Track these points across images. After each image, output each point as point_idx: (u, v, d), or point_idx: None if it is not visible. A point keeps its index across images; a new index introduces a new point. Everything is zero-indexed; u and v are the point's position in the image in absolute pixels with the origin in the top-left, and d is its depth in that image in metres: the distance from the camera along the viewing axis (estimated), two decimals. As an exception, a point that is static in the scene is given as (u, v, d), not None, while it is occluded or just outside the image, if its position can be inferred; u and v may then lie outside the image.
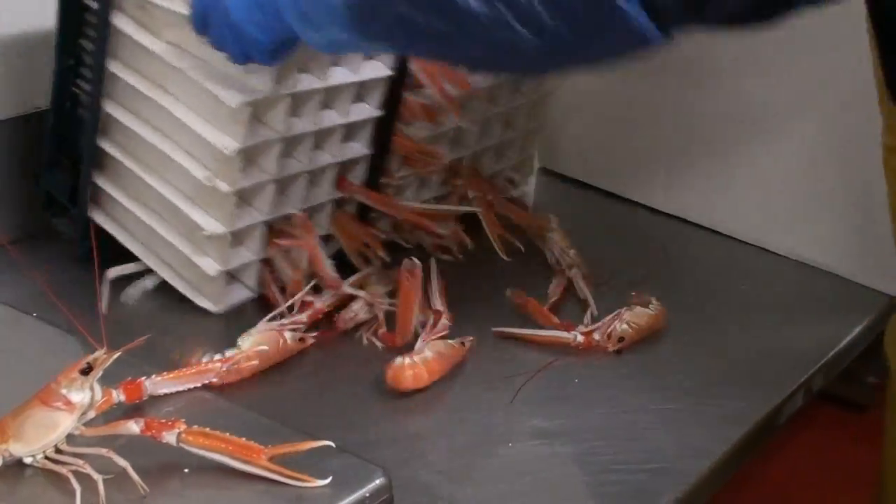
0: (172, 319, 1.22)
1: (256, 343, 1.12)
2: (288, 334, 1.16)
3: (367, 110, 1.29)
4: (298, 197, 1.26)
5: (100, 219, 1.29)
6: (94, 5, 1.19)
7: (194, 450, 0.84)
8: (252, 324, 1.18)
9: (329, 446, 0.87)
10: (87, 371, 0.86)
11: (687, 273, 1.42)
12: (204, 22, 1.05)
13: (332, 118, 1.25)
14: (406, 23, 0.88)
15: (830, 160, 1.38)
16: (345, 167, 1.31)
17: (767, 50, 1.38)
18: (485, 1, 0.83)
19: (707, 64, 1.45)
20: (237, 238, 1.23)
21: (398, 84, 1.29)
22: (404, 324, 1.21)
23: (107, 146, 1.25)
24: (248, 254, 1.25)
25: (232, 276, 1.26)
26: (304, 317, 1.20)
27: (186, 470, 0.85)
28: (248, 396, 1.07)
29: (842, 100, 1.33)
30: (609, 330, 1.24)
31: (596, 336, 1.24)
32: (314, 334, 1.19)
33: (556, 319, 1.27)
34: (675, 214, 1.51)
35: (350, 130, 1.30)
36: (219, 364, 0.96)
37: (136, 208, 1.25)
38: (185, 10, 1.10)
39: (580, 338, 1.24)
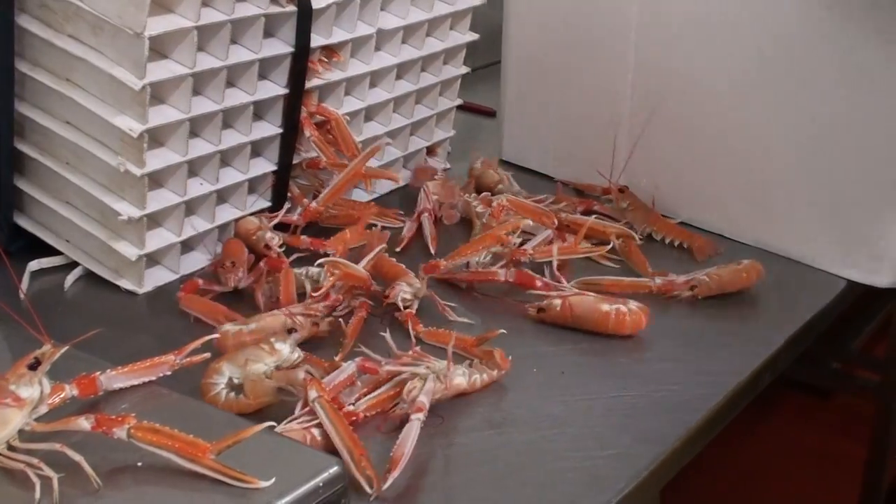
0: (99, 304, 1.25)
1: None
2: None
3: (273, 88, 1.32)
4: (212, 177, 1.29)
5: (23, 221, 1.31)
6: (-2, 9, 1.23)
7: (144, 446, 0.85)
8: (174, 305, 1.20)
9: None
10: (34, 366, 0.86)
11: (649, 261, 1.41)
12: None
13: (238, 97, 1.28)
14: None
15: (786, 145, 1.38)
16: (256, 146, 1.34)
17: (725, 34, 1.39)
18: None
19: (663, 58, 1.46)
20: (155, 221, 1.26)
21: (301, 62, 1.32)
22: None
23: (24, 147, 1.28)
24: (168, 235, 1.28)
25: (153, 260, 1.28)
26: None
27: (140, 463, 0.85)
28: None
29: (801, 77, 1.34)
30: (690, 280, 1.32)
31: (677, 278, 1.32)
32: None
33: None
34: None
35: (259, 109, 1.32)
36: (172, 357, 0.96)
37: (56, 206, 1.28)
38: (81, 3, 1.15)
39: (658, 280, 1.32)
